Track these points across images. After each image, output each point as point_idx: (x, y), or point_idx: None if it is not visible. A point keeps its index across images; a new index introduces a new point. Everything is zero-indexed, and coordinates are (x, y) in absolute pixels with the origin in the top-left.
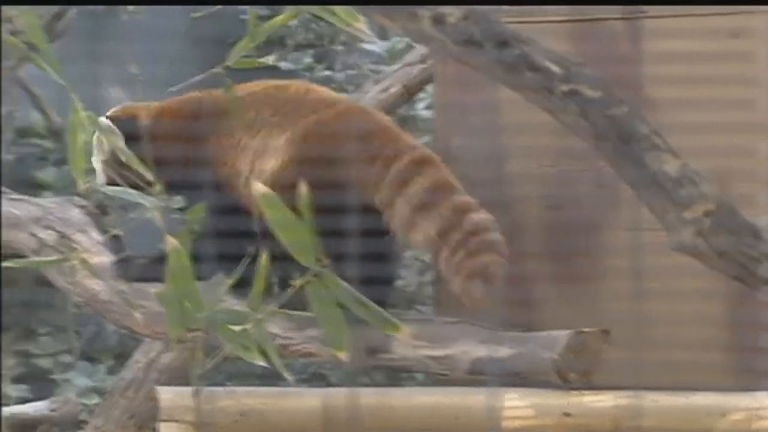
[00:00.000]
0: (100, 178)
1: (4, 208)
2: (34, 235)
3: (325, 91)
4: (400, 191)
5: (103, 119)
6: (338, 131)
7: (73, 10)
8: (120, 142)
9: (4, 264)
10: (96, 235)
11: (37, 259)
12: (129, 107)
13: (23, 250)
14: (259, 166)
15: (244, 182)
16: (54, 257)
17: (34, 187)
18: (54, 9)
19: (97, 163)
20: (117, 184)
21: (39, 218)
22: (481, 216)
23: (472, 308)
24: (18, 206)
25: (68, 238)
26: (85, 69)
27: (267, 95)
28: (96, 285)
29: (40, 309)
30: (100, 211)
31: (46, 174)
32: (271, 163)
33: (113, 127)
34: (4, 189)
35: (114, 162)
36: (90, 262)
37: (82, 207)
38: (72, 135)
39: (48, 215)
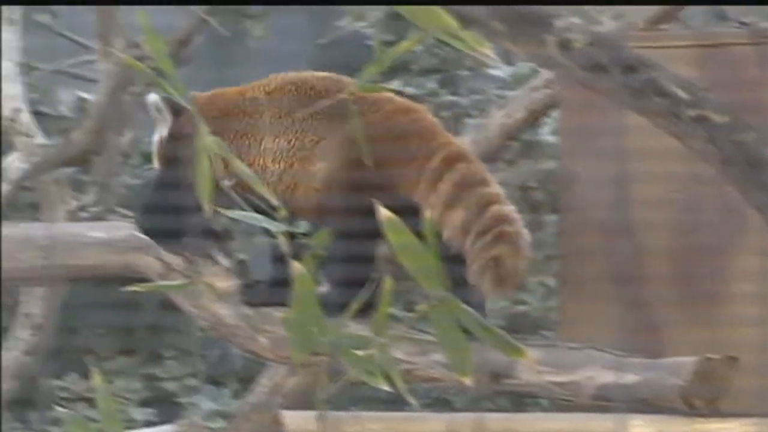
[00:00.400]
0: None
1: (130, 232)
2: (159, 259)
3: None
4: (433, 189)
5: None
6: (385, 133)
7: (200, 37)
8: (245, 167)
9: (131, 288)
10: (222, 260)
11: (163, 283)
12: None
13: (149, 274)
14: (303, 167)
15: (282, 182)
16: (180, 281)
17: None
18: (181, 35)
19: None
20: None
21: None
22: (504, 208)
23: (490, 296)
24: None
25: (194, 262)
26: None
27: (290, 93)
28: (222, 309)
29: (166, 333)
30: (226, 236)
31: None
32: (319, 166)
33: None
34: (129, 213)
35: (237, 185)
36: (216, 286)
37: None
38: (198, 160)
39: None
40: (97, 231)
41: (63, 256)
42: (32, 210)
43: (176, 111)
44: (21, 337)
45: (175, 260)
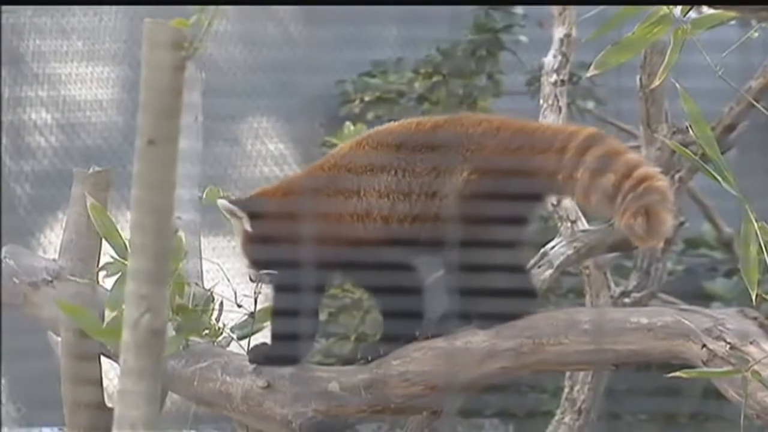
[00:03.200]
0: None
1: (673, 318)
2: (704, 346)
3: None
4: (579, 161)
5: None
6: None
7: (745, 123)
8: None
9: (674, 374)
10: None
11: (707, 369)
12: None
13: (692, 360)
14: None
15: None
16: (724, 369)
17: (704, 298)
18: (727, 120)
19: None
20: None
21: (709, 329)
22: (650, 169)
23: (640, 244)
24: (689, 317)
25: (739, 349)
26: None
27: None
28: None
29: (711, 421)
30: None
31: (716, 285)
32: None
33: None
34: (674, 299)
35: None
36: (762, 374)
37: (754, 318)
38: (744, 245)
39: (718, 326)
40: (639, 316)
41: (607, 340)
42: (574, 295)
43: (252, 214)
44: (564, 421)
45: (719, 347)
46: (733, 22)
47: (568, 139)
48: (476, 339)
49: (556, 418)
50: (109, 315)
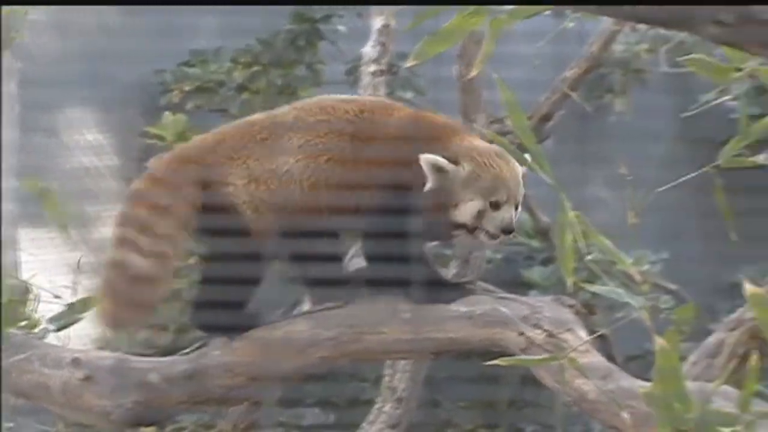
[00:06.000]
0: None
1: (492, 306)
2: (522, 334)
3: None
4: None
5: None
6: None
7: (561, 112)
8: (606, 241)
9: (493, 362)
10: (583, 335)
11: (525, 357)
12: None
13: (511, 348)
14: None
15: None
16: (542, 356)
17: (522, 286)
18: (543, 110)
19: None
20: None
21: (527, 317)
22: None
23: None
24: (507, 305)
25: (556, 337)
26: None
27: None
28: (584, 385)
29: (528, 408)
30: (588, 311)
31: (533, 273)
32: None
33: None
34: (493, 288)
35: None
36: (578, 361)
37: (570, 306)
38: (561, 234)
39: (536, 314)
40: (459, 305)
41: (427, 329)
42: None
43: (439, 169)
44: (385, 410)
45: (536, 335)
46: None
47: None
48: (296, 329)
49: (377, 406)
50: None
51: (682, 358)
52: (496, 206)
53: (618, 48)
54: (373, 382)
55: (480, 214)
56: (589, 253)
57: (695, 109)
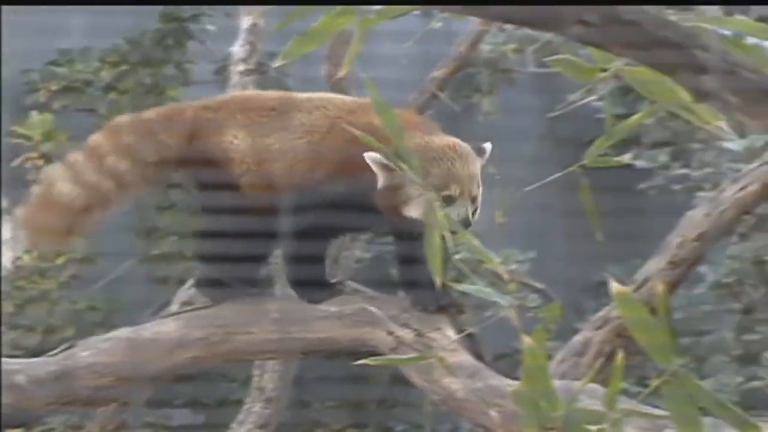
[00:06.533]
0: None
1: (361, 306)
2: (391, 333)
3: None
4: None
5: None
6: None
7: (430, 112)
8: (474, 240)
9: (362, 361)
10: (452, 334)
11: (394, 356)
12: None
13: (380, 348)
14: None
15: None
16: (411, 355)
17: (391, 285)
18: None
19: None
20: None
21: (396, 316)
22: None
23: None
24: (377, 304)
25: (425, 336)
26: None
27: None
28: (453, 384)
29: (397, 407)
30: (457, 309)
31: None
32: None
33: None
34: (363, 287)
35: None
36: (447, 360)
37: (443, 306)
38: (429, 233)
39: (405, 313)
40: (328, 304)
41: (296, 329)
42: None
43: (386, 167)
44: (254, 410)
45: (405, 334)
46: (416, 13)
47: None
48: (165, 329)
49: (246, 406)
50: None
51: (549, 357)
52: (449, 200)
53: (485, 48)
54: (242, 382)
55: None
56: (457, 252)
57: (562, 108)
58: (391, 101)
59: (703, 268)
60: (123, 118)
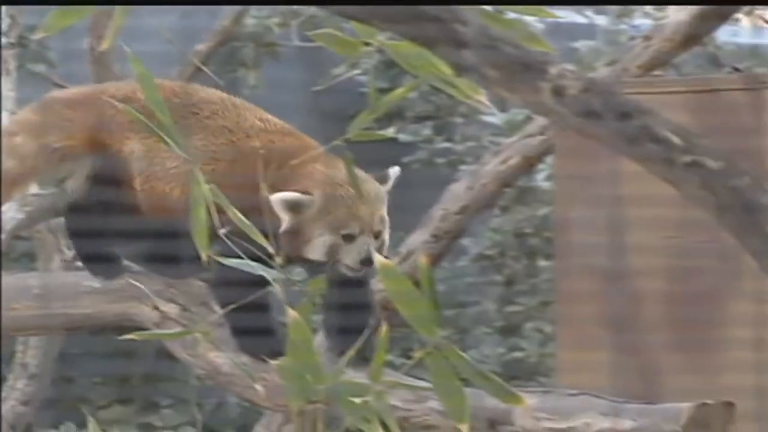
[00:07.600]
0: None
1: (125, 281)
2: (155, 308)
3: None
4: None
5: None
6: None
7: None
8: (239, 214)
9: (127, 337)
10: (217, 308)
11: (159, 331)
12: None
13: (145, 323)
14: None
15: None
16: (176, 330)
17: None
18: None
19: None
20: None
21: (161, 291)
22: None
23: None
24: (142, 280)
25: (190, 311)
26: None
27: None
28: (218, 358)
29: (163, 382)
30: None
31: None
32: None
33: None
34: (128, 263)
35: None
36: (212, 334)
37: (204, 280)
38: (195, 208)
39: (170, 288)
40: (92, 280)
41: (59, 305)
42: (27, 260)
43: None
44: (17, 387)
45: (171, 309)
46: None
47: None
48: None
49: (8, 383)
50: None
51: (315, 331)
52: (349, 239)
53: (250, 22)
54: (6, 359)
55: (333, 249)
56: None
57: (326, 82)
58: (154, 74)
59: (465, 241)
60: (63, 93)
